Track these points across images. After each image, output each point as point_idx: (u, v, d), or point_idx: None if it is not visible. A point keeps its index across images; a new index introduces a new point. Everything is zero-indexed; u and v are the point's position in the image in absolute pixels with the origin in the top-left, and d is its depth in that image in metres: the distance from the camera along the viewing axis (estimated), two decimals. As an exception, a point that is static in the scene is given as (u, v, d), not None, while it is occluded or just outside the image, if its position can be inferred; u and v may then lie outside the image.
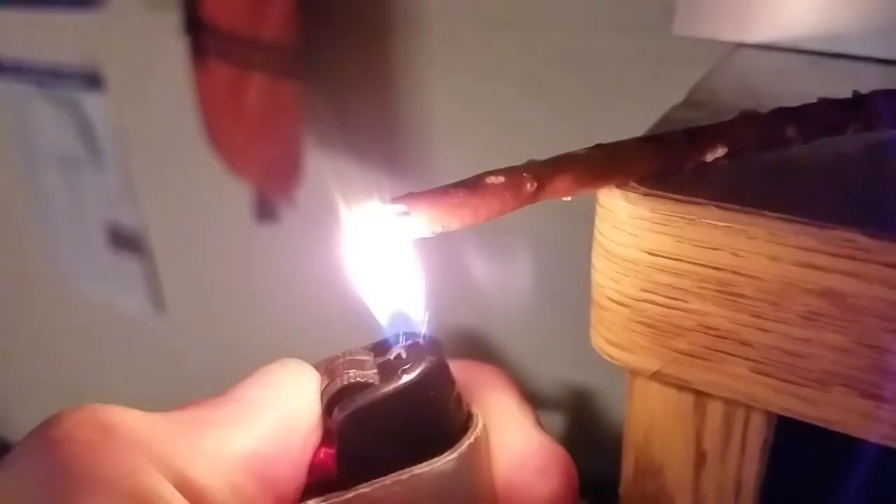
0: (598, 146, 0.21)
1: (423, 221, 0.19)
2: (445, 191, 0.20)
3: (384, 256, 0.22)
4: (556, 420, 0.76)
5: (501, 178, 0.20)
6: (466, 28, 0.65)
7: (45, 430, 0.19)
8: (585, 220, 0.25)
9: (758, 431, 0.24)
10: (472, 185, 0.20)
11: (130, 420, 0.19)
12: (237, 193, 0.83)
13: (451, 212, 0.20)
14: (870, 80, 0.29)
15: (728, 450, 0.24)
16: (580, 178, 0.21)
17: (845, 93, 0.24)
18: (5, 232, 1.13)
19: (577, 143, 0.23)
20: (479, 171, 0.20)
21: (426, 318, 0.23)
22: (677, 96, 0.29)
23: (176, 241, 0.98)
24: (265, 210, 0.84)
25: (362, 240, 0.21)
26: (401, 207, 0.19)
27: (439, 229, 0.19)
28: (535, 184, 0.20)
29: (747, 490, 0.25)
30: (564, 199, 0.21)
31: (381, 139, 0.75)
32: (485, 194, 0.20)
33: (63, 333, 1.16)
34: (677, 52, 0.39)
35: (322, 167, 0.76)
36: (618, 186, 0.22)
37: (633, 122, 0.27)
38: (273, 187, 0.79)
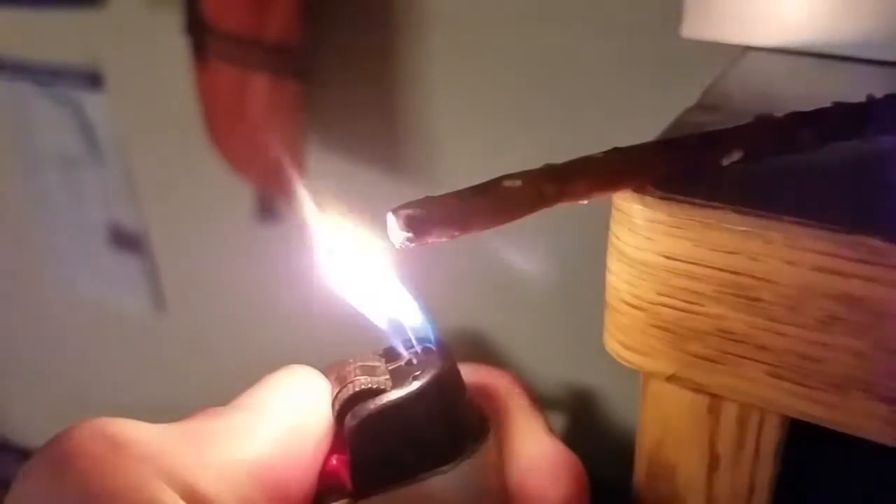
0: (616, 149, 0.21)
1: (440, 226, 0.19)
2: (463, 195, 0.20)
3: (367, 270, 0.22)
4: (565, 422, 0.76)
5: (519, 182, 0.20)
6: (472, 29, 0.65)
7: (54, 446, 0.19)
8: (596, 222, 0.25)
9: (772, 435, 0.24)
10: (489, 189, 0.20)
11: (138, 433, 0.19)
12: (237, 193, 0.83)
13: (469, 216, 0.19)
14: (882, 84, 0.29)
15: (742, 454, 0.25)
16: (598, 181, 0.21)
17: (858, 96, 0.24)
18: (5, 232, 1.13)
19: (582, 145, 0.23)
20: (483, 173, 0.20)
21: (431, 324, 0.23)
22: (684, 99, 0.29)
23: (176, 241, 0.98)
24: (266, 210, 0.84)
25: (341, 257, 0.21)
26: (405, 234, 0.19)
27: (457, 234, 0.19)
28: (553, 187, 0.20)
29: (760, 494, 0.25)
30: (581, 202, 0.21)
31: (384, 139, 0.75)
32: (502, 198, 0.20)
33: (63, 333, 1.16)
34: (685, 55, 0.39)
35: (324, 167, 0.76)
36: (634, 190, 0.22)
37: (639, 125, 0.27)
38: (274, 187, 0.79)
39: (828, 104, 0.24)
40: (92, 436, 0.19)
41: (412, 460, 0.22)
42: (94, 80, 0.91)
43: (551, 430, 0.25)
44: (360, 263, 0.23)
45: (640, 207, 0.22)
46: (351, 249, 0.23)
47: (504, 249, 0.68)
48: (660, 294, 0.22)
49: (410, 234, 0.19)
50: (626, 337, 0.24)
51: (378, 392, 0.21)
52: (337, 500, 0.22)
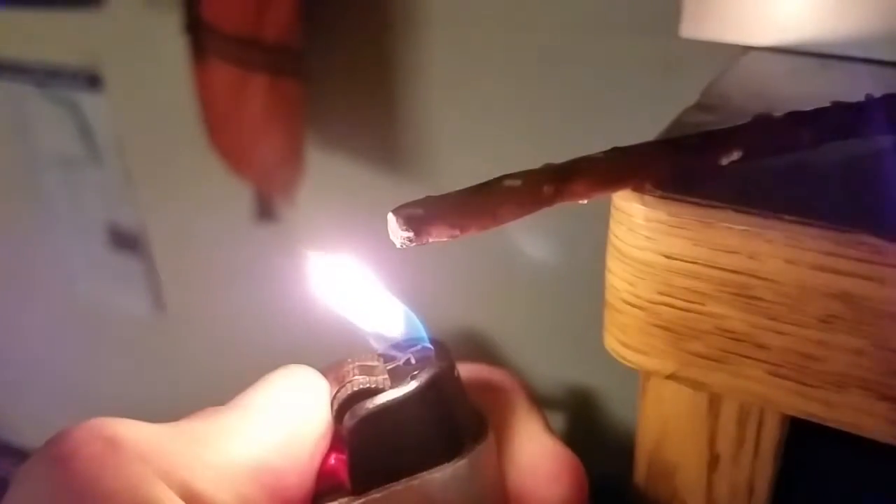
0: (615, 149, 0.21)
1: (441, 225, 0.19)
2: (463, 195, 0.20)
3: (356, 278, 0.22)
4: (565, 422, 0.76)
5: (519, 182, 0.20)
6: (471, 29, 0.65)
7: (53, 447, 0.19)
8: (594, 221, 0.25)
9: (771, 434, 0.24)
10: (489, 188, 0.20)
11: (137, 433, 0.19)
12: (237, 193, 0.83)
13: (470, 216, 0.20)
14: (881, 84, 0.29)
15: (742, 452, 0.25)
16: (598, 181, 0.21)
17: (857, 96, 0.24)
18: (5, 232, 1.13)
19: (582, 144, 0.23)
20: (483, 173, 0.20)
21: (427, 324, 0.23)
22: (684, 99, 0.29)
23: (176, 241, 0.98)
24: (265, 210, 0.84)
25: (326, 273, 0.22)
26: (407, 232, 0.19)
27: (457, 233, 0.19)
28: (553, 187, 0.20)
29: (760, 492, 0.25)
30: (581, 202, 0.21)
31: (382, 139, 0.75)
32: (502, 198, 0.20)
33: (63, 333, 1.16)
34: (684, 55, 0.39)
35: (323, 167, 0.76)
36: (634, 189, 0.22)
37: (639, 125, 0.27)
38: (273, 187, 0.79)
39: (827, 104, 0.24)
40: (90, 436, 0.19)
41: (411, 459, 0.22)
42: (92, 80, 0.91)
43: (550, 429, 0.25)
44: (350, 271, 0.23)
45: (640, 207, 0.22)
46: (340, 263, 0.23)
47: (504, 249, 0.68)
48: (660, 293, 0.22)
49: (411, 234, 0.19)
50: (626, 336, 0.24)
51: (376, 391, 0.22)
52: (335, 499, 0.22)
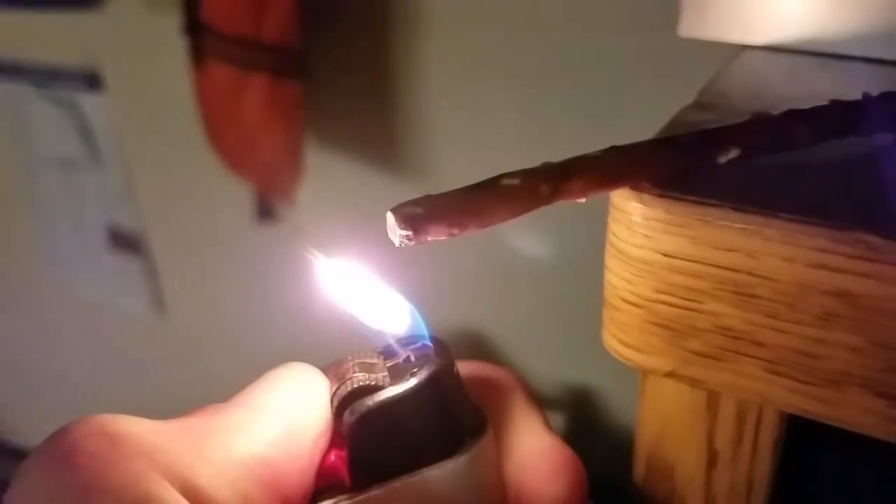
0: (613, 148, 0.22)
1: (439, 224, 0.19)
2: (461, 193, 0.20)
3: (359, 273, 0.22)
4: (564, 420, 0.76)
5: (517, 181, 0.20)
6: (470, 29, 0.65)
7: (54, 443, 0.19)
8: (593, 220, 0.25)
9: (770, 431, 0.24)
10: (488, 187, 0.20)
11: (137, 429, 0.20)
12: (237, 193, 0.83)
13: (468, 214, 0.20)
14: (878, 82, 0.29)
15: (740, 450, 0.25)
16: (596, 179, 0.21)
17: (855, 94, 0.25)
18: (5, 232, 1.13)
19: (580, 144, 0.23)
20: (481, 171, 0.21)
21: (427, 322, 0.23)
22: (682, 98, 0.29)
23: (176, 241, 0.98)
24: (265, 210, 0.84)
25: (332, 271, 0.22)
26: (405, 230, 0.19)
27: (456, 232, 0.20)
28: (551, 186, 0.20)
29: (759, 490, 0.25)
30: (579, 200, 0.21)
31: (383, 139, 0.75)
32: (501, 196, 0.20)
33: (63, 333, 1.16)
34: (682, 54, 0.40)
35: (323, 167, 0.76)
36: (632, 188, 0.22)
37: (637, 123, 0.27)
38: (273, 187, 0.79)
39: (824, 102, 0.24)
40: (91, 432, 0.19)
41: (410, 456, 0.22)
42: (92, 81, 0.91)
43: (549, 426, 0.25)
44: (352, 268, 0.23)
45: (638, 205, 0.22)
46: (344, 255, 0.23)
47: (502, 248, 0.68)
48: (658, 291, 0.22)
49: (409, 233, 0.19)
50: (624, 334, 0.24)
51: (376, 389, 0.22)
52: (335, 495, 0.22)
